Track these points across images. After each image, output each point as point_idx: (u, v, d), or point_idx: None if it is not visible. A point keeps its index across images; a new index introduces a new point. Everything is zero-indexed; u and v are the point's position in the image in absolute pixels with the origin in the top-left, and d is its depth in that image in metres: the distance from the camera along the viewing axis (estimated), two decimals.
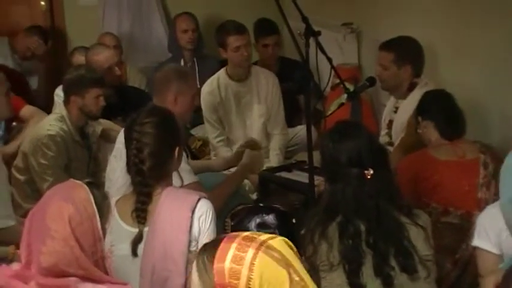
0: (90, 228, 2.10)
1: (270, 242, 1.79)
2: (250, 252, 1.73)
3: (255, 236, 1.82)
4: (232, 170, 4.19)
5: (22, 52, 5.68)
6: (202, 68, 5.57)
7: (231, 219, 3.03)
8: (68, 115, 4.00)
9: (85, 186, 2.15)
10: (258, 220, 2.61)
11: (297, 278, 1.75)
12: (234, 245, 1.76)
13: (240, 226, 2.80)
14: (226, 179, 3.81)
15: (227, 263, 1.72)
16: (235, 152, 4.20)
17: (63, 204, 2.09)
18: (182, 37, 5.68)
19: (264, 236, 1.82)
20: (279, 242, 1.81)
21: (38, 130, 4.04)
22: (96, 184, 2.25)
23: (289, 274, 1.74)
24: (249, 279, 1.71)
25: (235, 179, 3.77)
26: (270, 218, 2.61)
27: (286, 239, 1.84)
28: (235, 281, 1.71)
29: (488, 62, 4.28)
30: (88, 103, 3.98)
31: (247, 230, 2.44)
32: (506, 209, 2.10)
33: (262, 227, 2.61)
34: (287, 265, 1.75)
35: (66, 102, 4.02)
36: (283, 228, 2.58)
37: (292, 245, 1.83)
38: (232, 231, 2.88)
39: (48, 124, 4.01)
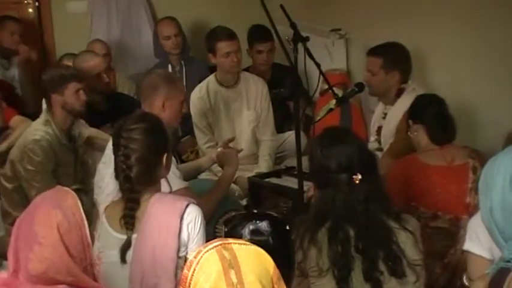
0: (79, 235, 2.10)
1: (235, 246, 1.87)
2: (208, 247, 1.86)
3: (230, 240, 1.91)
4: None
5: (7, 45, 5.55)
6: (190, 71, 5.55)
7: (225, 225, 3.01)
8: (52, 117, 3.96)
9: (73, 192, 2.15)
10: (251, 227, 2.59)
11: (235, 281, 1.81)
12: (209, 245, 1.88)
13: (233, 232, 2.78)
14: (215, 185, 3.80)
15: (192, 256, 1.87)
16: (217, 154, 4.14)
17: (51, 210, 2.08)
18: (166, 43, 5.62)
19: (238, 242, 1.90)
20: (247, 250, 1.87)
21: (24, 136, 4.00)
22: (85, 190, 2.25)
23: (226, 273, 1.81)
24: (194, 270, 1.84)
25: (223, 183, 3.73)
26: (263, 225, 2.59)
27: (265, 253, 1.90)
28: (187, 271, 1.85)
29: (477, 67, 4.30)
30: (69, 99, 3.93)
31: (240, 236, 2.44)
32: (487, 219, 2.10)
33: (256, 234, 2.59)
34: (230, 266, 1.82)
35: (48, 103, 3.98)
36: (277, 235, 2.57)
37: (271, 261, 1.90)
38: (225, 237, 2.87)
39: (34, 129, 3.97)
